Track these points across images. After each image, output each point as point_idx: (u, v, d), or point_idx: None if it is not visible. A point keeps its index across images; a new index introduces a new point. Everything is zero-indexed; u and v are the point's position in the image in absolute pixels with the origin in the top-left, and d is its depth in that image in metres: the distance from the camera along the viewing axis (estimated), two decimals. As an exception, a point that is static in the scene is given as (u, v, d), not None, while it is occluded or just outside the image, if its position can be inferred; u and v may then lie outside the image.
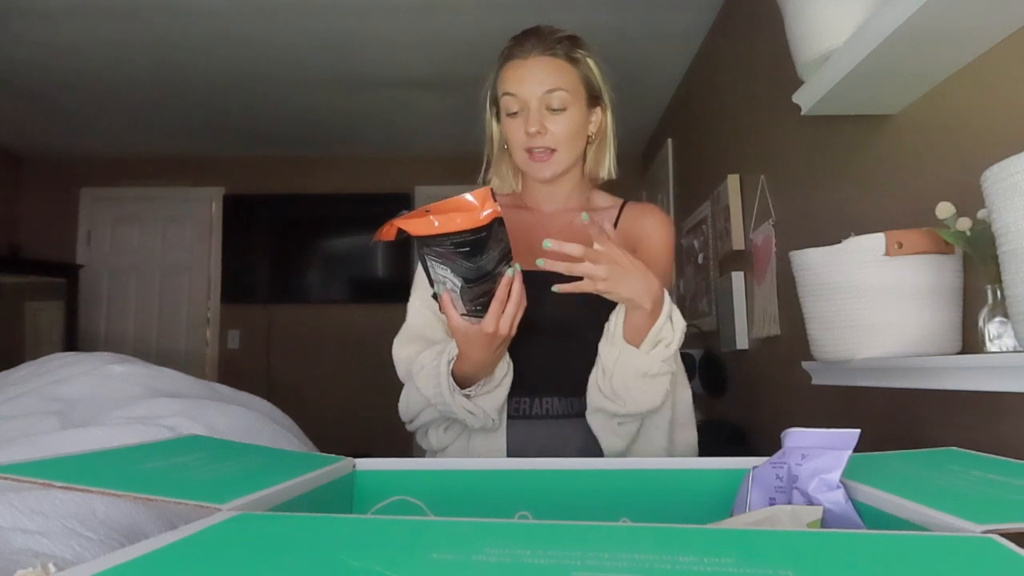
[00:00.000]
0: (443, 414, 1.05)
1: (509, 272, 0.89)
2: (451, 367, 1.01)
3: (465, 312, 0.92)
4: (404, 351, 1.11)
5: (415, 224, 0.76)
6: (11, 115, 3.92)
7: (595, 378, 1.03)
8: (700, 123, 3.13)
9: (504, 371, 1.03)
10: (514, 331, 0.94)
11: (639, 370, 1.00)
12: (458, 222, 0.76)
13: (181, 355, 4.51)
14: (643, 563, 0.36)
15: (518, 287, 0.91)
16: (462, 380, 1.02)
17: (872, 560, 0.39)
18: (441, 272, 0.88)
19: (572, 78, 1.09)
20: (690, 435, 1.10)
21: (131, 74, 3.40)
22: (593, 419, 1.05)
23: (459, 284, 0.88)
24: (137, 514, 0.85)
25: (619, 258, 0.93)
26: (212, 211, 4.67)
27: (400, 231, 0.78)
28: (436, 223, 0.76)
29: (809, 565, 0.37)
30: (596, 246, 0.92)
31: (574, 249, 0.90)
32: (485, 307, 0.91)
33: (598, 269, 0.91)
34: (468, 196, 0.76)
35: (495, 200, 0.76)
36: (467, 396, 1.02)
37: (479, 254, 0.81)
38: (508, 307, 0.91)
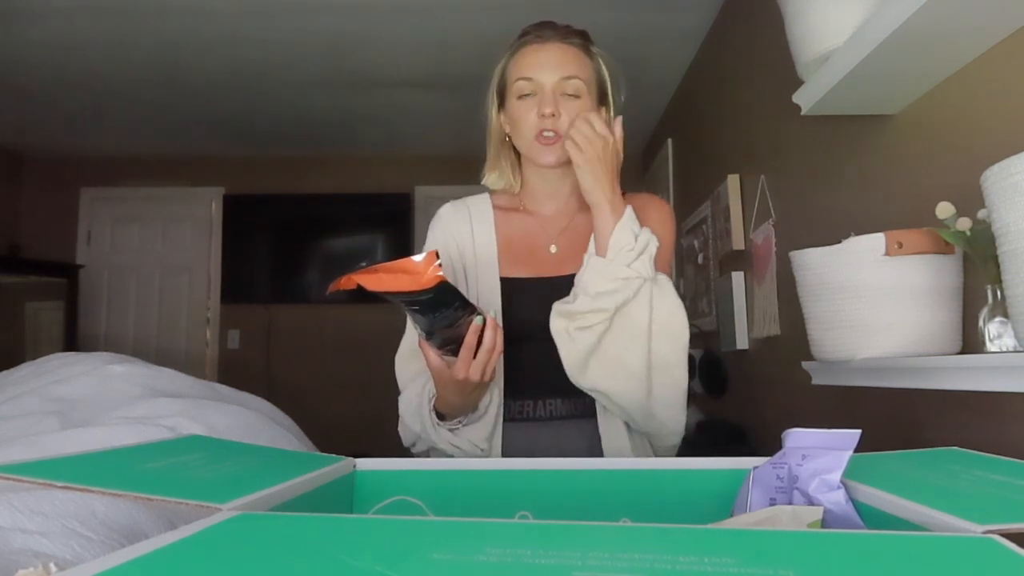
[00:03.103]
0: (432, 447, 1.05)
1: (478, 320, 0.89)
2: (432, 404, 1.01)
3: (440, 354, 0.93)
4: (404, 368, 1.10)
5: (369, 280, 0.80)
6: (11, 115, 3.92)
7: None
8: (700, 123, 3.13)
9: (488, 400, 1.02)
10: (488, 378, 0.93)
11: (603, 275, 0.98)
12: (405, 283, 0.79)
13: (181, 355, 4.51)
14: (643, 563, 0.36)
15: (490, 335, 0.90)
16: (447, 413, 1.02)
17: (872, 560, 0.39)
18: (410, 319, 0.91)
19: (587, 70, 1.09)
20: (677, 357, 1.02)
21: (131, 74, 3.40)
22: (554, 324, 1.00)
23: (423, 333, 0.91)
24: (137, 514, 0.85)
25: (604, 151, 0.99)
26: (212, 211, 4.67)
27: (358, 284, 0.80)
28: (386, 282, 0.80)
29: (809, 565, 0.37)
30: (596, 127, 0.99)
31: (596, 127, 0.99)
32: (457, 352, 0.91)
33: (590, 138, 0.98)
34: (415, 258, 0.79)
35: (440, 265, 0.79)
36: (452, 430, 1.02)
37: (430, 312, 0.85)
38: (480, 354, 0.90)
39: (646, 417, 1.03)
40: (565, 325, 0.99)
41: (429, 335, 0.91)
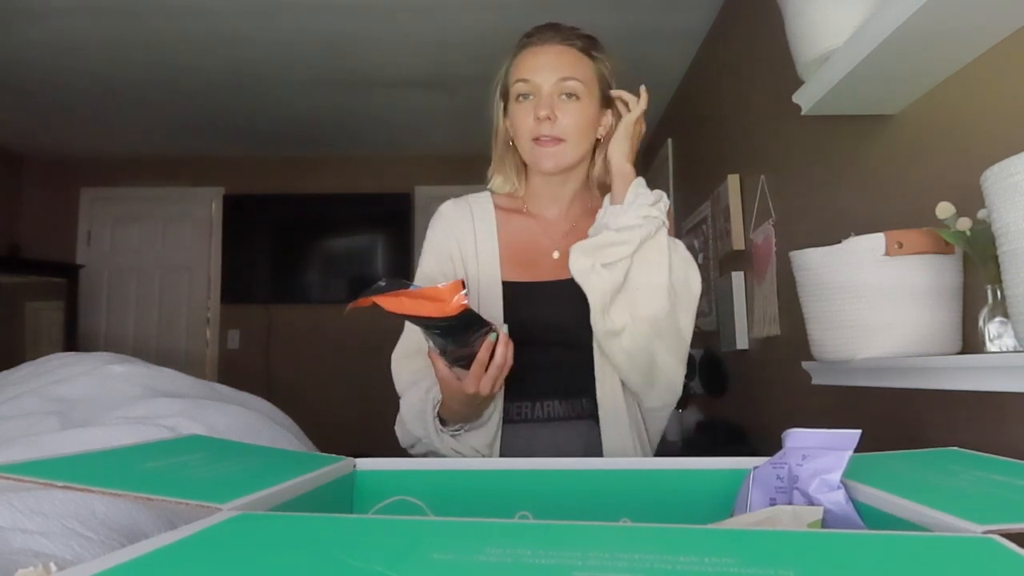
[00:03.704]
0: (432, 450, 1.05)
1: (491, 337, 0.90)
2: (436, 411, 1.01)
3: (449, 365, 0.94)
4: (401, 368, 1.11)
5: (389, 302, 0.80)
6: (11, 115, 3.92)
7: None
8: (700, 123, 3.13)
9: (491, 409, 1.03)
10: (498, 390, 0.94)
11: (625, 214, 1.01)
12: (428, 309, 0.80)
13: (181, 355, 4.51)
14: (643, 563, 0.36)
15: (502, 350, 0.91)
16: (450, 418, 1.02)
17: (872, 560, 0.39)
18: (423, 333, 0.91)
19: (588, 71, 1.08)
20: (686, 317, 1.05)
21: (131, 74, 3.40)
22: (577, 264, 1.00)
23: (437, 350, 0.92)
24: (137, 514, 0.85)
25: (635, 131, 1.10)
26: (212, 211, 4.67)
27: (375, 303, 0.81)
28: (408, 306, 0.81)
29: (810, 565, 0.37)
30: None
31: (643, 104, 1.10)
32: (468, 365, 0.92)
33: (637, 117, 1.10)
34: (441, 286, 0.80)
35: (466, 295, 0.80)
36: (455, 435, 1.02)
37: (450, 336, 0.86)
38: (491, 369, 0.91)
39: (648, 366, 1.03)
40: (590, 263, 0.99)
41: (444, 353, 0.92)
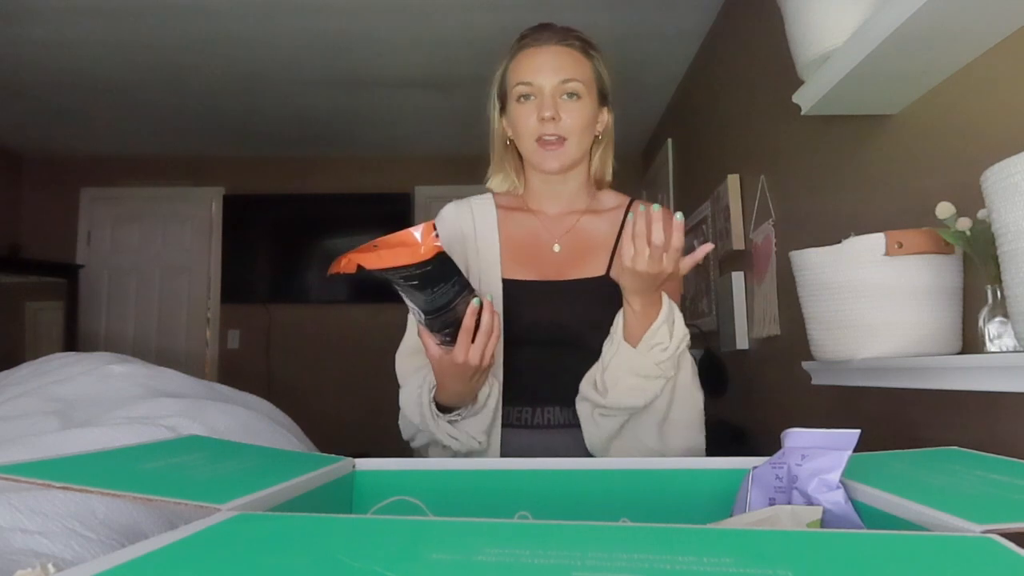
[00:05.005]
0: (432, 440, 1.05)
1: (475, 302, 0.90)
2: (432, 395, 1.01)
3: (439, 342, 0.94)
4: (404, 365, 1.11)
5: (367, 258, 0.80)
6: (11, 115, 3.92)
7: (592, 370, 1.03)
8: (700, 123, 3.13)
9: (487, 393, 1.02)
10: (487, 362, 0.94)
11: (632, 369, 0.99)
12: (405, 256, 0.80)
13: (181, 355, 4.51)
14: (643, 563, 0.36)
15: (487, 317, 0.91)
16: (447, 404, 1.02)
17: (872, 560, 0.39)
18: (409, 302, 0.91)
19: (587, 71, 1.08)
20: (695, 439, 1.06)
21: (131, 74, 3.40)
22: (580, 406, 1.05)
23: (421, 316, 0.91)
24: (137, 514, 0.85)
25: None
26: (212, 211, 4.67)
27: (359, 265, 0.81)
28: (386, 259, 0.80)
29: (809, 565, 0.37)
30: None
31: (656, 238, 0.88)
32: (455, 337, 0.92)
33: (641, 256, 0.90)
34: (412, 231, 0.79)
35: (437, 236, 0.80)
36: (452, 422, 1.02)
37: (428, 288, 0.85)
38: (479, 337, 0.91)
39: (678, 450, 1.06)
40: (590, 410, 1.03)
41: (427, 314, 0.91)
